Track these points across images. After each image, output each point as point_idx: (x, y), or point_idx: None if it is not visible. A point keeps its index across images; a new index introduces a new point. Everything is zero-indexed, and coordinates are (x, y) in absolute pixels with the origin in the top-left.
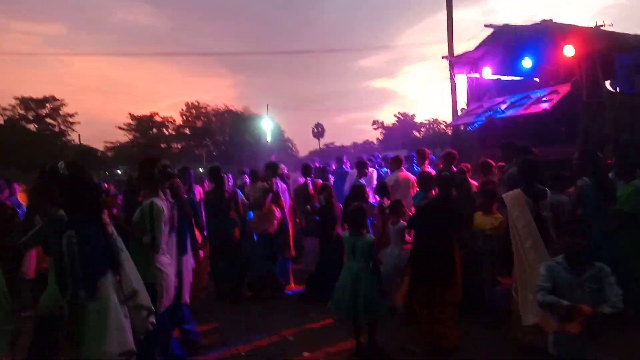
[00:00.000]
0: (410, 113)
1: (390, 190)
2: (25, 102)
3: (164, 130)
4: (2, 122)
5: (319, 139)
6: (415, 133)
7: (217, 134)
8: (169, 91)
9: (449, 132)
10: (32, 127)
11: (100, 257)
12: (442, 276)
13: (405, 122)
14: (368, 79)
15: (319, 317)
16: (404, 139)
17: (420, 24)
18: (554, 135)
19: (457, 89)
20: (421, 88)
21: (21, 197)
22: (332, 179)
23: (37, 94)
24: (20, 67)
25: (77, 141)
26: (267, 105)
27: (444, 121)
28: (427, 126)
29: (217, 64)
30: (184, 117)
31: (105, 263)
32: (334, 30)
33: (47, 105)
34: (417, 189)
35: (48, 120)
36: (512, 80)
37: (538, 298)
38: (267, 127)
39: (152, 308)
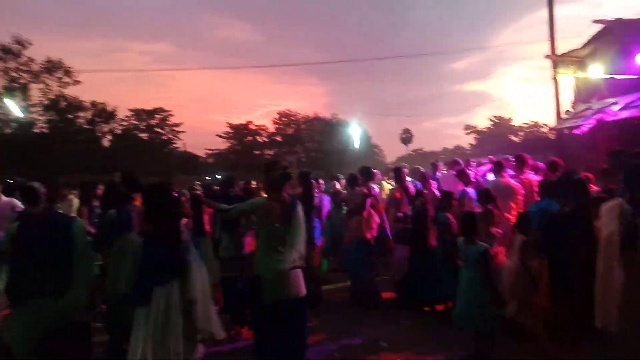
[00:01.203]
0: (507, 116)
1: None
2: (138, 114)
3: (258, 138)
4: (120, 132)
5: (406, 145)
6: (513, 137)
7: (306, 140)
8: (263, 101)
9: (552, 137)
10: (144, 136)
11: (157, 265)
12: (588, 295)
13: (501, 126)
14: (460, 82)
15: (410, 324)
16: (499, 143)
17: (518, 22)
18: None
19: (560, 90)
20: (519, 90)
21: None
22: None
23: (148, 106)
24: (134, 83)
25: (182, 148)
26: (355, 112)
27: (545, 124)
28: (526, 130)
29: (308, 73)
30: (276, 125)
31: (166, 272)
32: (425, 33)
33: (157, 116)
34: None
35: (157, 129)
36: (626, 79)
37: None
38: (354, 133)
39: (212, 324)
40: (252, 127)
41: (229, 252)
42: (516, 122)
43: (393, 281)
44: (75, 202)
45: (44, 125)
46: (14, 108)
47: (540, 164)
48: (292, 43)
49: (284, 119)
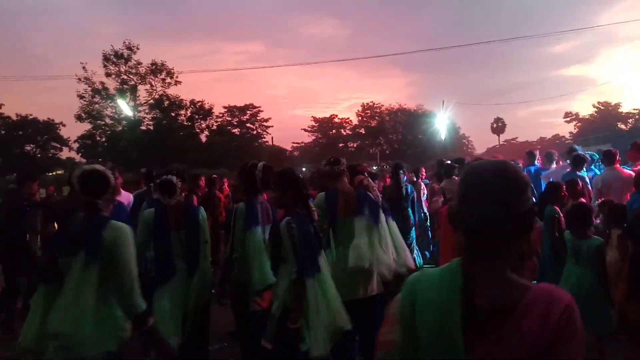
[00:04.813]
0: (614, 102)
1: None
2: (231, 110)
3: (342, 131)
4: (215, 127)
5: (498, 135)
6: (621, 125)
7: (390, 132)
8: (347, 94)
9: None
10: (236, 131)
11: (315, 237)
12: None
13: (607, 113)
14: (559, 66)
15: None
16: (605, 132)
17: (626, 0)
18: None
19: None
20: (628, 73)
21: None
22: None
23: (240, 103)
24: (228, 81)
25: (270, 142)
26: (443, 102)
27: None
28: (638, 117)
29: (393, 64)
30: (360, 118)
31: (320, 242)
32: (519, 17)
33: (248, 112)
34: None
35: (248, 125)
36: None
37: None
38: (441, 124)
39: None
40: (336, 120)
41: None
42: (625, 108)
43: None
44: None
45: (150, 122)
46: (125, 108)
47: None
48: (377, 36)
49: (367, 111)
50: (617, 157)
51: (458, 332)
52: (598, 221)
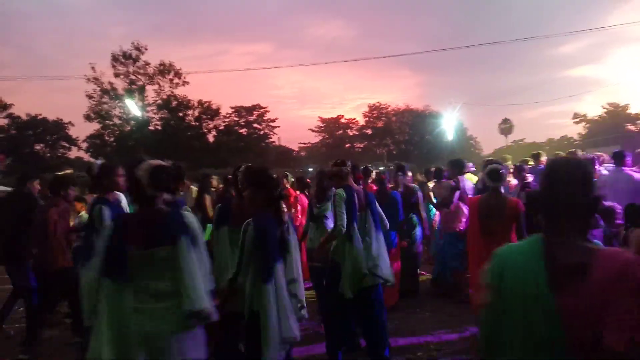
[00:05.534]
0: (623, 103)
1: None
2: (238, 111)
3: (348, 131)
4: (222, 128)
5: (506, 136)
6: (630, 126)
7: (397, 133)
8: (354, 95)
9: None
10: (243, 131)
11: (275, 245)
12: None
13: (616, 114)
14: (567, 67)
15: None
16: (614, 133)
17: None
18: None
19: None
20: (637, 73)
21: None
22: (531, 177)
23: (247, 103)
24: (236, 82)
25: (277, 143)
26: (450, 103)
27: None
28: None
29: (399, 65)
30: (367, 118)
31: (279, 251)
32: (527, 18)
33: (255, 112)
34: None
35: (255, 125)
36: None
37: None
38: (448, 125)
39: (304, 302)
40: (342, 121)
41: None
42: (634, 109)
43: None
44: (194, 190)
45: (158, 123)
46: (133, 108)
47: None
48: (384, 36)
49: (374, 111)
50: (626, 158)
51: (546, 288)
52: None
